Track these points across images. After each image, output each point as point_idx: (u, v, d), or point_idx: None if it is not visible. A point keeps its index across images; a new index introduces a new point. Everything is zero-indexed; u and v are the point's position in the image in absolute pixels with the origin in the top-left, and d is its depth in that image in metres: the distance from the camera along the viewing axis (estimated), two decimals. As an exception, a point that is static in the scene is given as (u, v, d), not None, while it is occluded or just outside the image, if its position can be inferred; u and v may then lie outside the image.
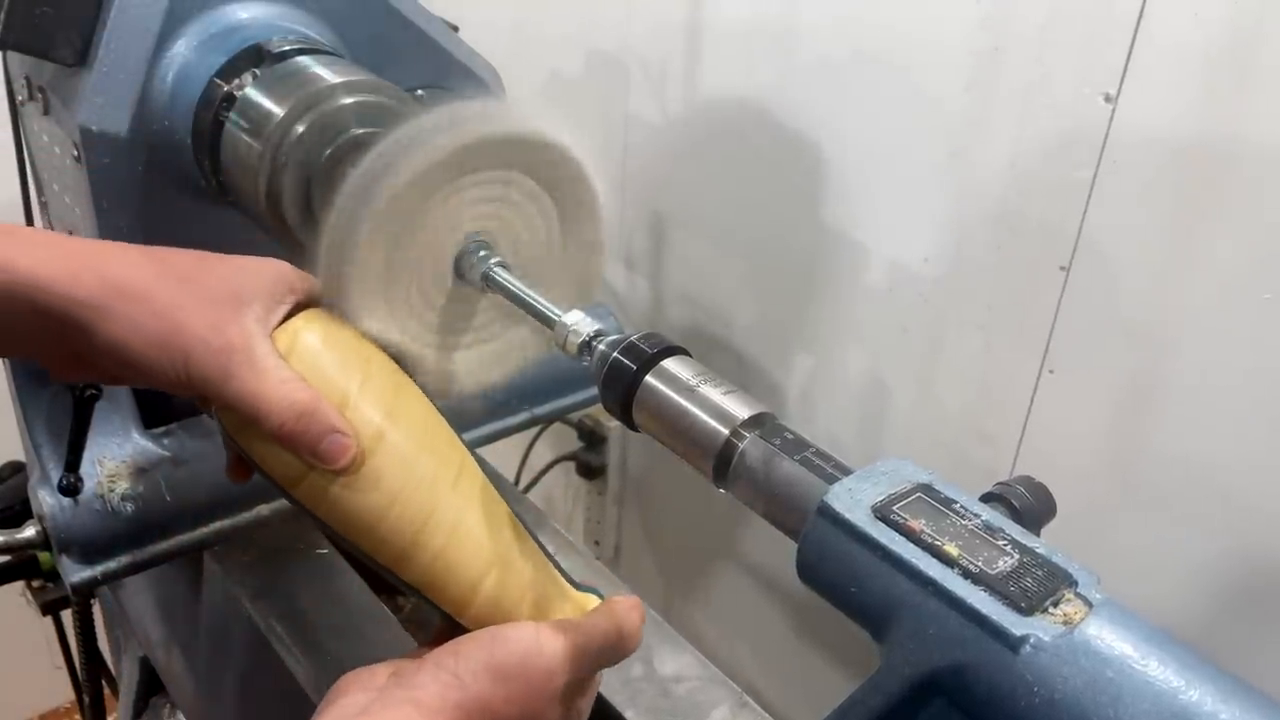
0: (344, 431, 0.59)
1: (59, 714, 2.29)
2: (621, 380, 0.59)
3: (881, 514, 0.49)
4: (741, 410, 0.56)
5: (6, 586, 1.11)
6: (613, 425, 1.67)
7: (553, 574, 0.64)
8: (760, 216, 1.31)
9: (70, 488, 0.81)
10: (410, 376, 0.66)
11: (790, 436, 0.55)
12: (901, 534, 0.48)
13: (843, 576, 0.49)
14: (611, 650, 0.61)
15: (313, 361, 0.61)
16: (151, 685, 1.25)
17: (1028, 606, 0.44)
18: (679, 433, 0.58)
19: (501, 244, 0.68)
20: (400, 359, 0.66)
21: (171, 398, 0.92)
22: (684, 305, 1.48)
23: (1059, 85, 0.96)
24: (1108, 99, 0.92)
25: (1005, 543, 0.48)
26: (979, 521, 0.49)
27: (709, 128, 1.35)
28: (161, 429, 0.90)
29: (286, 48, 0.80)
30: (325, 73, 0.78)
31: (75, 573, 0.84)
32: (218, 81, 0.79)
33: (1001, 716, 0.43)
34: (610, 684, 0.91)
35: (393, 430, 0.61)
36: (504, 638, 0.57)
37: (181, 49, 0.81)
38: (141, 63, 0.79)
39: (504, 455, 1.69)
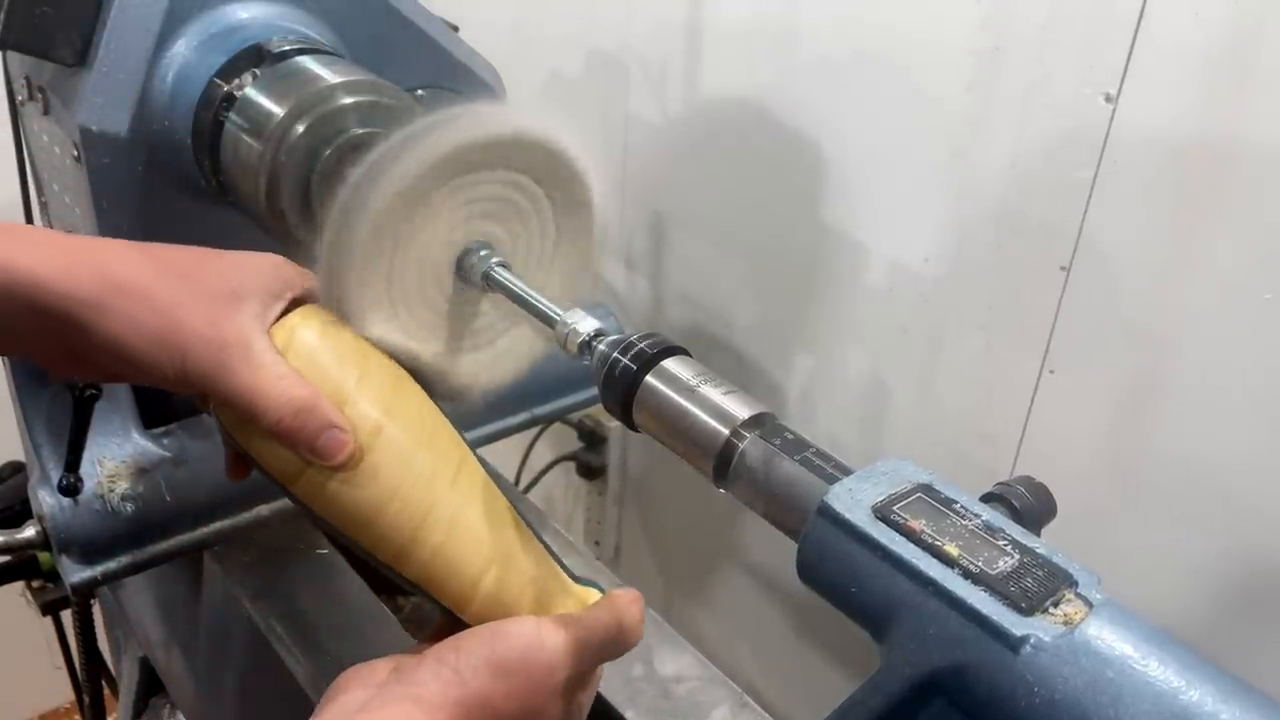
0: (341, 427, 0.59)
1: (59, 714, 2.29)
2: (622, 380, 0.59)
3: (882, 514, 0.49)
4: (742, 410, 0.56)
5: (6, 586, 1.11)
6: (613, 425, 1.67)
7: (553, 569, 0.64)
8: (760, 216, 1.31)
9: (70, 488, 0.81)
10: (411, 376, 0.66)
11: (790, 436, 0.55)
12: (902, 534, 0.48)
13: (843, 577, 0.49)
14: (613, 644, 0.61)
15: (310, 357, 0.61)
16: (151, 685, 1.25)
17: (1028, 607, 0.44)
18: (679, 433, 0.57)
19: (501, 244, 0.68)
20: (403, 361, 0.66)
21: (171, 398, 0.92)
22: (684, 305, 1.48)
23: (1059, 85, 0.96)
24: (1108, 99, 0.92)
25: (1005, 543, 0.48)
26: (979, 522, 0.49)
27: (709, 128, 1.34)
28: (161, 429, 0.90)
29: (286, 48, 0.80)
30: (325, 73, 0.78)
31: (75, 573, 0.84)
32: (218, 81, 0.79)
33: (1002, 717, 0.43)
34: (611, 684, 0.91)
35: (390, 426, 0.60)
36: (505, 633, 0.57)
37: (181, 49, 0.81)
38: (141, 63, 0.79)
39: (504, 455, 1.69)
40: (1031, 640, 0.43)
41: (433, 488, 0.61)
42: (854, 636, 0.50)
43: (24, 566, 1.08)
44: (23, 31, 0.78)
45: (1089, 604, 0.45)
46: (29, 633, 1.82)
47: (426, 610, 0.64)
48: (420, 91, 0.92)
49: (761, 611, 1.51)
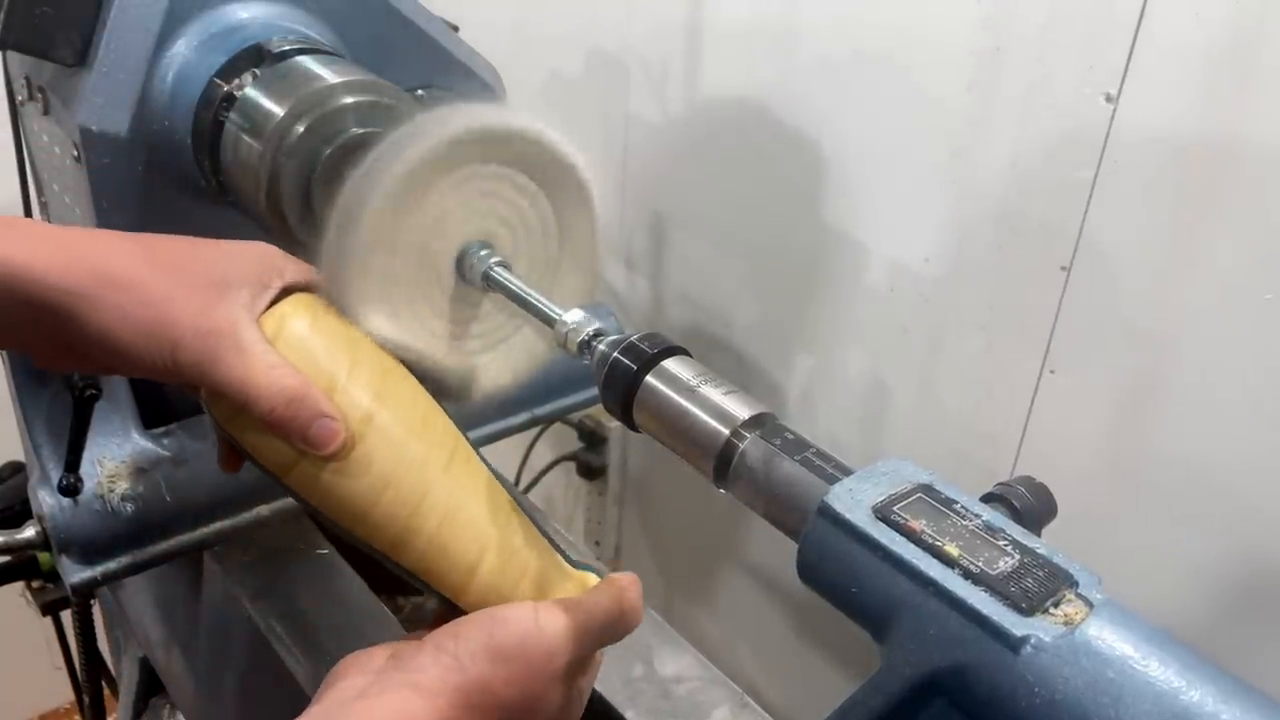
0: (332, 416, 0.58)
1: (59, 714, 2.29)
2: (622, 380, 0.59)
3: (882, 514, 0.49)
4: (742, 410, 0.56)
5: (6, 587, 1.11)
6: (613, 425, 1.67)
7: (551, 554, 0.64)
8: (761, 216, 1.31)
9: (70, 488, 0.81)
10: (412, 375, 0.66)
11: (791, 437, 0.55)
12: (902, 534, 0.48)
13: (843, 577, 0.49)
14: (613, 627, 0.60)
15: (300, 346, 0.60)
16: (151, 685, 1.25)
17: (1028, 607, 0.44)
18: (679, 433, 0.57)
19: (502, 244, 0.68)
20: (404, 360, 0.65)
21: (171, 398, 0.92)
22: (684, 305, 1.48)
23: (1060, 85, 0.96)
24: (1109, 99, 0.92)
25: (1006, 543, 0.48)
26: (979, 522, 0.49)
27: (709, 128, 1.34)
28: (161, 429, 0.90)
29: (286, 48, 0.80)
30: (325, 73, 0.78)
31: (75, 573, 0.84)
32: (218, 81, 0.79)
33: (1002, 717, 0.43)
34: (611, 684, 0.91)
35: (382, 414, 0.60)
36: (503, 619, 0.57)
37: (181, 49, 0.81)
38: (141, 63, 0.79)
39: (504, 455, 1.69)
40: (1032, 640, 0.43)
41: (426, 475, 0.60)
42: (854, 637, 0.50)
43: (24, 567, 1.08)
44: (23, 31, 0.78)
45: (1089, 604, 0.45)
46: (29, 633, 1.82)
47: (426, 610, 0.64)
48: (420, 91, 0.92)
49: (762, 612, 1.51)
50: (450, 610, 0.61)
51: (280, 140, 0.75)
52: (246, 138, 0.77)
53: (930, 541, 0.48)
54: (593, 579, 0.64)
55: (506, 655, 0.55)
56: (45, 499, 0.83)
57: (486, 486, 0.63)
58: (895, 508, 0.50)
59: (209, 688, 1.04)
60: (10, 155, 1.04)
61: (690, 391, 0.57)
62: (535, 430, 1.66)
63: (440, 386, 0.67)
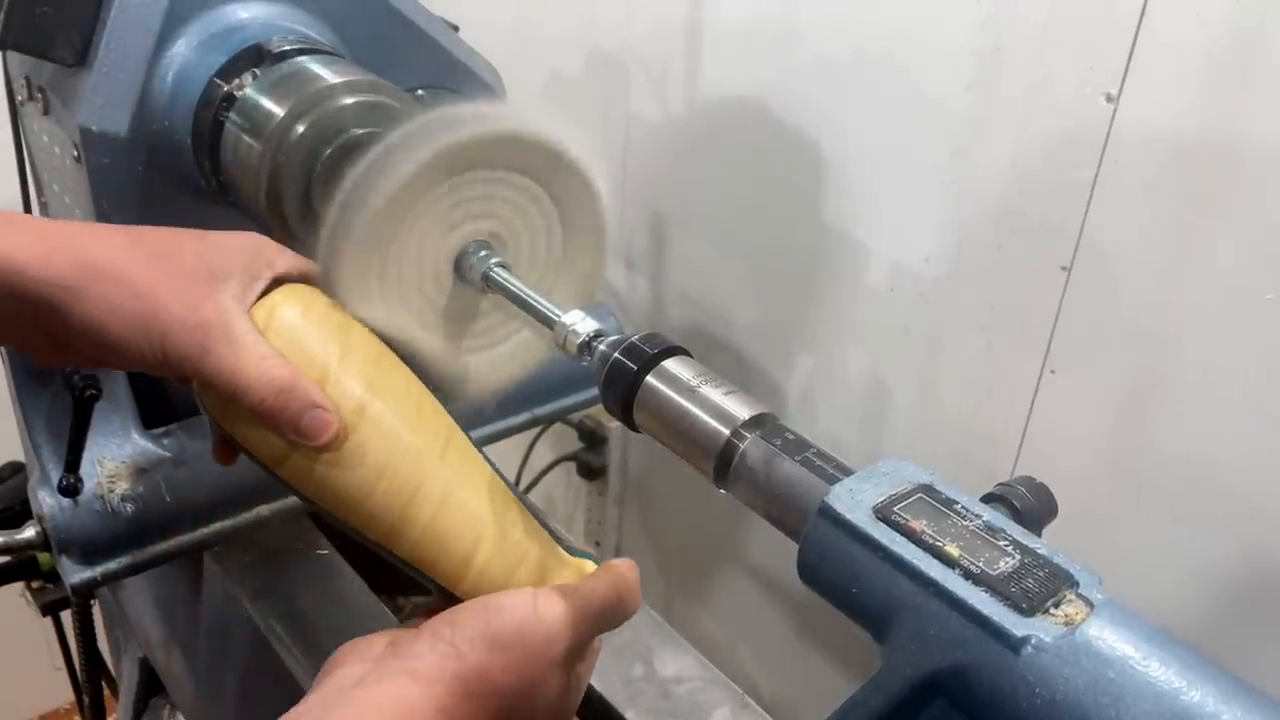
0: (324, 407, 0.58)
1: (59, 715, 2.29)
2: (622, 381, 0.59)
3: (882, 515, 0.49)
4: (742, 411, 0.56)
5: (6, 587, 1.11)
6: (613, 426, 1.67)
7: (547, 541, 0.64)
8: (761, 216, 1.31)
9: (70, 488, 0.81)
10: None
11: (791, 437, 0.55)
12: (902, 535, 0.48)
13: (844, 577, 0.49)
14: (611, 613, 0.60)
15: (290, 336, 0.60)
16: (151, 686, 1.25)
17: (1029, 607, 0.44)
18: (680, 433, 0.57)
19: (502, 245, 0.68)
20: (403, 358, 0.65)
21: (171, 398, 0.92)
22: (684, 305, 1.47)
23: (1060, 85, 0.96)
24: (1109, 99, 0.92)
25: (1006, 543, 0.48)
26: (980, 522, 0.49)
27: (709, 127, 1.34)
28: (161, 429, 0.89)
29: (286, 48, 0.80)
30: (325, 73, 0.78)
31: (75, 573, 0.84)
32: (218, 81, 0.79)
33: (1003, 717, 0.43)
34: (611, 684, 0.91)
35: (375, 403, 0.60)
36: (500, 606, 0.57)
37: (181, 49, 0.81)
38: (141, 63, 0.79)
39: (504, 456, 1.69)
40: (1032, 641, 0.43)
41: (421, 464, 0.60)
42: (855, 637, 0.50)
43: (24, 567, 1.08)
44: (23, 31, 0.78)
45: (1090, 604, 0.45)
46: (29, 633, 1.82)
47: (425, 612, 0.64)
48: (420, 91, 0.92)
49: (762, 612, 1.51)
50: (447, 599, 0.61)
51: (280, 140, 0.75)
52: (246, 138, 0.77)
53: (931, 542, 0.48)
54: (590, 566, 0.64)
55: (504, 642, 0.55)
56: (45, 499, 0.83)
57: (482, 475, 0.63)
58: (896, 508, 0.49)
59: (209, 688, 1.04)
60: (10, 155, 1.04)
61: (690, 392, 0.57)
62: (535, 430, 1.66)
63: (438, 385, 0.67)
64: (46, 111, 0.87)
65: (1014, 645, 0.43)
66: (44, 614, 1.30)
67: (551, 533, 0.65)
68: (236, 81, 0.79)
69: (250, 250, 0.63)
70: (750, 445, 0.55)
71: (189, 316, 0.58)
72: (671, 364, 0.59)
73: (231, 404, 0.59)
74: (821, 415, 1.32)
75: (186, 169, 0.83)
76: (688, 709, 0.91)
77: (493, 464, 0.64)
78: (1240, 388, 0.91)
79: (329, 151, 0.75)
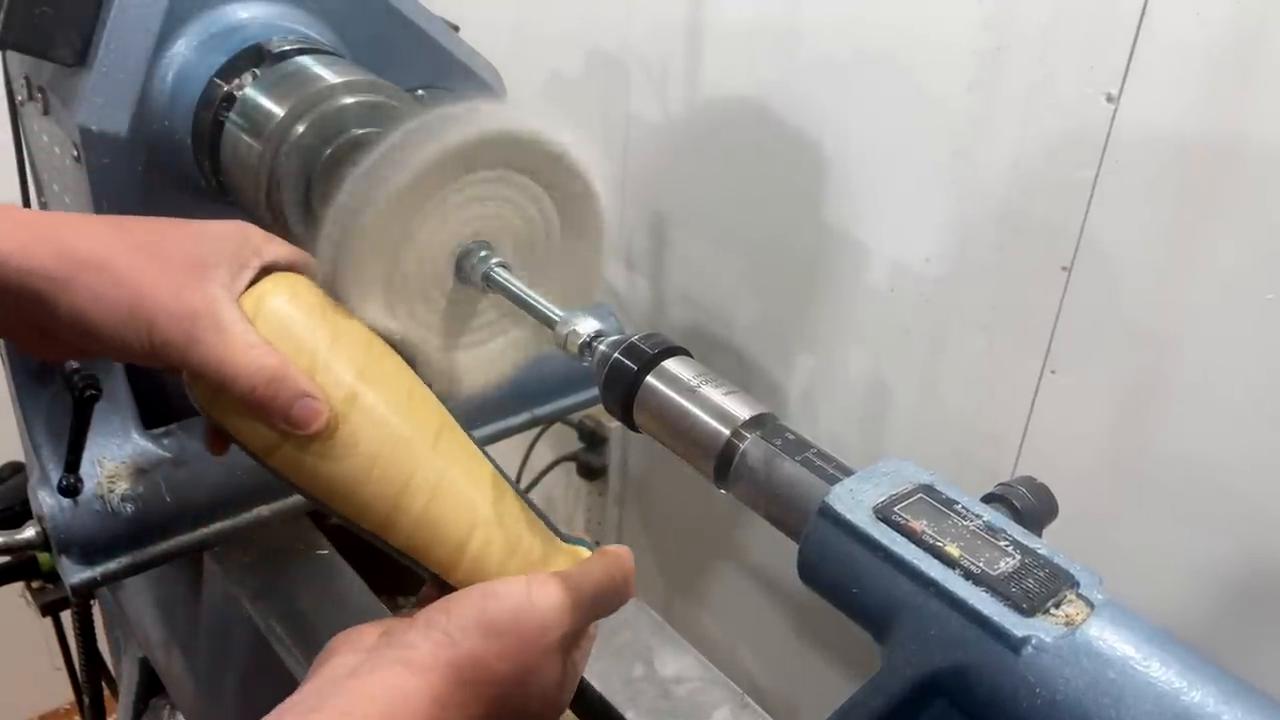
0: (314, 396, 0.58)
1: (59, 715, 2.29)
2: (622, 381, 0.59)
3: (883, 515, 0.49)
4: (742, 411, 0.56)
5: (6, 587, 1.11)
6: (614, 426, 1.67)
7: (541, 528, 0.64)
8: (762, 216, 1.31)
9: (70, 488, 0.81)
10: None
11: (791, 437, 0.55)
12: (903, 535, 0.48)
13: (844, 577, 0.49)
14: (607, 599, 0.60)
15: (279, 325, 0.60)
16: (151, 686, 1.25)
17: (1029, 607, 0.44)
18: (680, 433, 0.57)
19: (502, 244, 0.68)
20: (404, 358, 0.65)
21: (171, 398, 0.92)
22: (685, 305, 1.47)
23: (1061, 85, 0.95)
24: (1110, 99, 0.92)
25: (1007, 543, 0.48)
26: (980, 522, 0.49)
27: (710, 127, 1.34)
28: (161, 429, 0.89)
29: (286, 48, 0.80)
30: (325, 73, 0.78)
31: (75, 574, 0.84)
32: (218, 81, 0.79)
33: (1003, 718, 0.43)
34: (611, 684, 0.91)
35: (366, 392, 0.60)
36: (494, 593, 0.57)
37: (181, 49, 0.81)
38: (141, 63, 0.79)
39: (505, 456, 1.68)
40: (1033, 641, 0.43)
41: (413, 453, 0.60)
42: (855, 637, 0.50)
43: (24, 567, 1.08)
44: (22, 31, 0.78)
45: (1090, 605, 0.45)
46: (29, 633, 1.82)
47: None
48: (420, 91, 0.92)
49: (762, 612, 1.51)
50: (440, 588, 0.61)
51: (280, 140, 0.75)
52: (246, 138, 0.77)
53: (931, 542, 0.47)
54: (584, 553, 0.64)
55: (499, 629, 0.55)
56: (45, 499, 0.83)
57: (475, 463, 0.62)
58: (896, 508, 0.49)
59: (209, 688, 1.04)
60: (10, 155, 1.04)
61: (691, 392, 0.57)
62: (535, 430, 1.66)
63: (434, 383, 0.67)
64: (46, 111, 0.87)
65: (1014, 645, 0.43)
66: (44, 614, 1.30)
67: (545, 520, 0.65)
68: (236, 81, 0.79)
69: (238, 238, 0.62)
70: (750, 445, 0.55)
71: (176, 305, 0.57)
72: (672, 364, 0.59)
73: (221, 394, 0.59)
74: (822, 415, 1.32)
75: (186, 169, 0.83)
76: (688, 709, 0.91)
77: (486, 453, 0.64)
78: (1241, 388, 0.91)
79: (329, 151, 0.75)
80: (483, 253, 0.66)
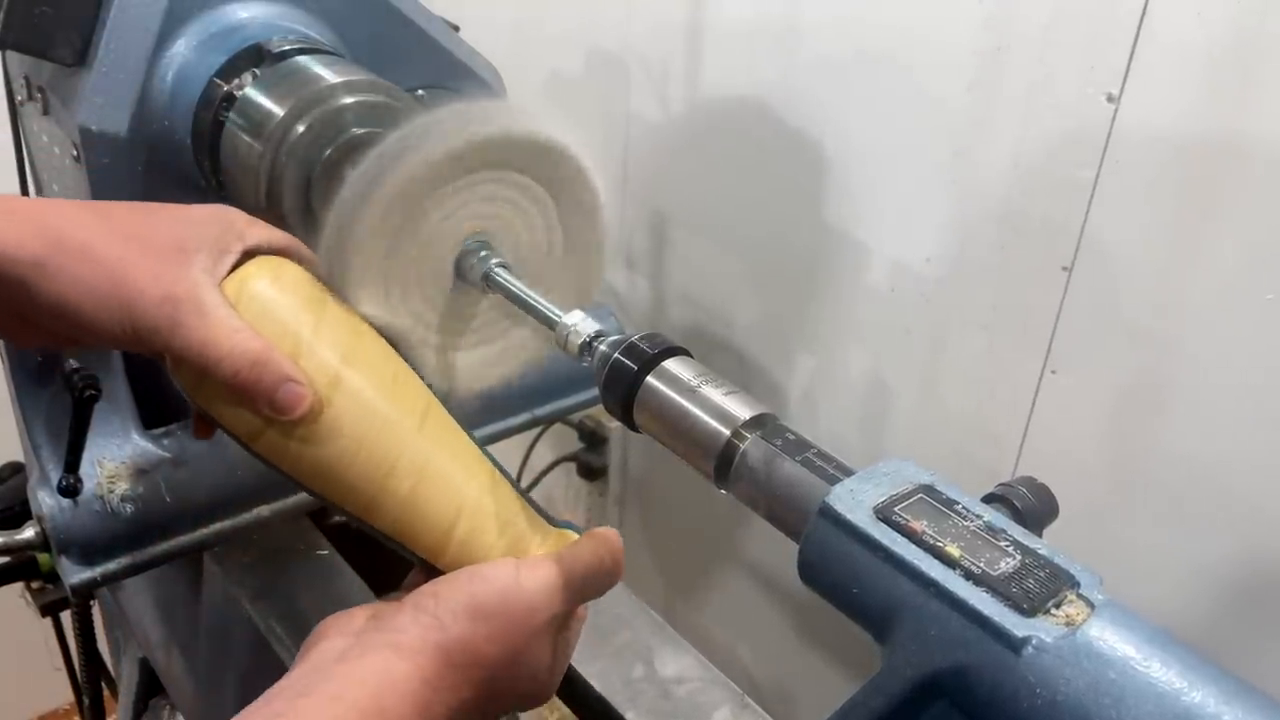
0: (298, 380, 0.57)
1: (59, 715, 2.29)
2: (622, 381, 0.59)
3: (883, 515, 0.49)
4: (743, 411, 0.56)
5: (6, 588, 1.11)
6: (614, 426, 1.67)
7: (529, 512, 0.64)
8: (762, 216, 1.31)
9: (70, 489, 0.80)
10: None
11: (792, 437, 0.55)
12: (903, 535, 0.48)
13: (844, 577, 0.49)
14: (596, 580, 0.60)
15: (262, 309, 0.59)
16: (151, 686, 1.25)
17: (1030, 608, 0.44)
18: (680, 433, 0.57)
19: (502, 244, 0.68)
20: (404, 357, 0.65)
21: (171, 398, 0.92)
22: (685, 305, 1.47)
23: (1062, 85, 0.95)
24: (1110, 99, 0.92)
25: (1007, 544, 0.48)
26: (981, 522, 0.49)
27: (710, 127, 1.34)
28: (161, 429, 0.89)
29: (286, 47, 0.80)
30: (325, 73, 0.77)
31: (74, 574, 0.84)
32: (218, 81, 0.79)
33: (1003, 718, 0.43)
34: (612, 685, 0.91)
35: (350, 375, 0.59)
36: (483, 576, 0.57)
37: (181, 49, 0.81)
38: (141, 63, 0.79)
39: (505, 456, 1.68)
40: (1033, 641, 0.43)
41: (398, 437, 0.59)
42: (855, 637, 0.50)
43: (23, 567, 1.08)
44: (22, 31, 0.78)
45: (1091, 605, 0.44)
46: (29, 633, 1.82)
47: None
48: (420, 91, 0.92)
49: (762, 612, 1.51)
50: (428, 572, 0.61)
51: (280, 140, 0.75)
52: (246, 138, 0.77)
53: (931, 542, 0.47)
54: (572, 536, 0.64)
55: (487, 612, 0.55)
56: (45, 500, 0.83)
57: (461, 446, 0.62)
58: (896, 508, 0.49)
59: (209, 689, 1.04)
60: (10, 155, 1.04)
61: (691, 392, 0.57)
62: (536, 431, 1.66)
63: (437, 384, 0.67)
64: (46, 111, 0.87)
65: (1015, 646, 0.43)
66: (44, 614, 1.30)
67: (533, 504, 0.65)
68: (236, 81, 0.79)
69: (220, 222, 0.62)
70: (751, 445, 0.55)
71: (158, 290, 0.57)
72: (672, 364, 0.59)
73: (205, 380, 0.58)
74: (822, 415, 1.31)
75: (186, 169, 0.83)
76: (688, 709, 0.91)
77: (474, 437, 0.64)
78: (1241, 387, 0.91)
79: (329, 151, 0.75)
80: (483, 252, 0.66)
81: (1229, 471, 0.93)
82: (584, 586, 0.59)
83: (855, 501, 0.50)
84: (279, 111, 0.76)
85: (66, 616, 1.30)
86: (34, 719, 2.28)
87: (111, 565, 0.85)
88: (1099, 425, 1.02)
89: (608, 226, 0.71)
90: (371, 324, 0.64)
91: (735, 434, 0.55)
